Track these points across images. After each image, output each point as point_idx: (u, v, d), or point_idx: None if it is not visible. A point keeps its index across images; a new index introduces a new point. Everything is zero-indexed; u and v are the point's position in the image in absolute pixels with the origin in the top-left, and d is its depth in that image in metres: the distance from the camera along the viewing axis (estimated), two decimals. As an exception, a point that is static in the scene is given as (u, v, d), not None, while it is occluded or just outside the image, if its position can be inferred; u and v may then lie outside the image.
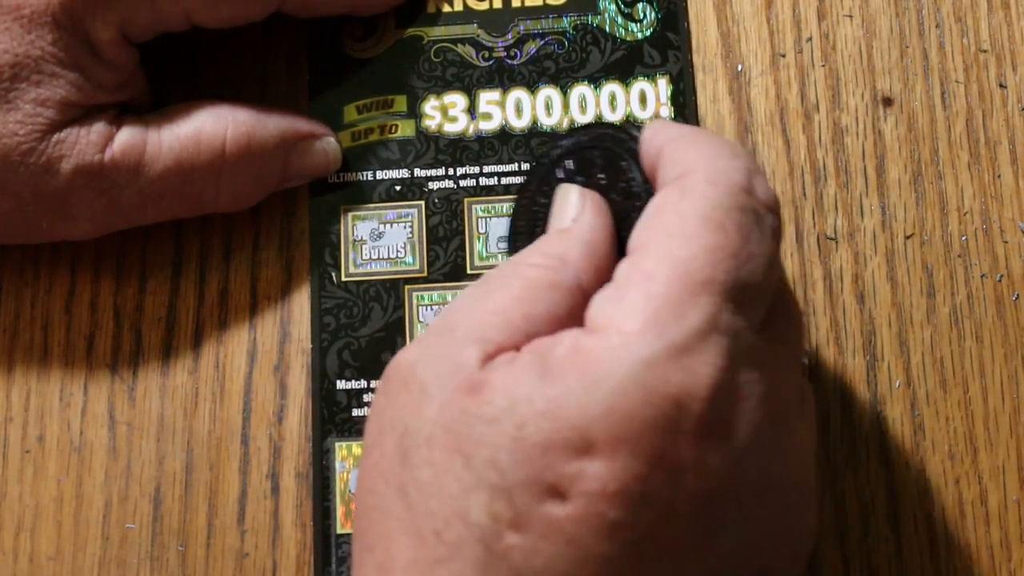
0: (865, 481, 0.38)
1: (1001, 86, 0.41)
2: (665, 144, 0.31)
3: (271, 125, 0.39)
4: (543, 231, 0.34)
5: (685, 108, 0.41)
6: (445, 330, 0.30)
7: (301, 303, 0.40)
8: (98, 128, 0.36)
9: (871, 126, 0.41)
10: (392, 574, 0.27)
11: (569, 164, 0.35)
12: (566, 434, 0.26)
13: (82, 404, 0.39)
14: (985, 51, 0.41)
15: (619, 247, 0.32)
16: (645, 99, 0.41)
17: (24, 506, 0.39)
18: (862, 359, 0.39)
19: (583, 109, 0.41)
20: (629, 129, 0.34)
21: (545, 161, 0.35)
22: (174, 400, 0.39)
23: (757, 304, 0.29)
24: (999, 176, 0.40)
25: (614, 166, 0.34)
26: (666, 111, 0.41)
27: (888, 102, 0.41)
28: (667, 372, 0.26)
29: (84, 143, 0.36)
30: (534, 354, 0.28)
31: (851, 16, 0.42)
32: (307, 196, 0.41)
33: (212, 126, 0.37)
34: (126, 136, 0.36)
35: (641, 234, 0.29)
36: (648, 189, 0.32)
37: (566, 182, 0.34)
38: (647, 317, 0.27)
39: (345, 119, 0.41)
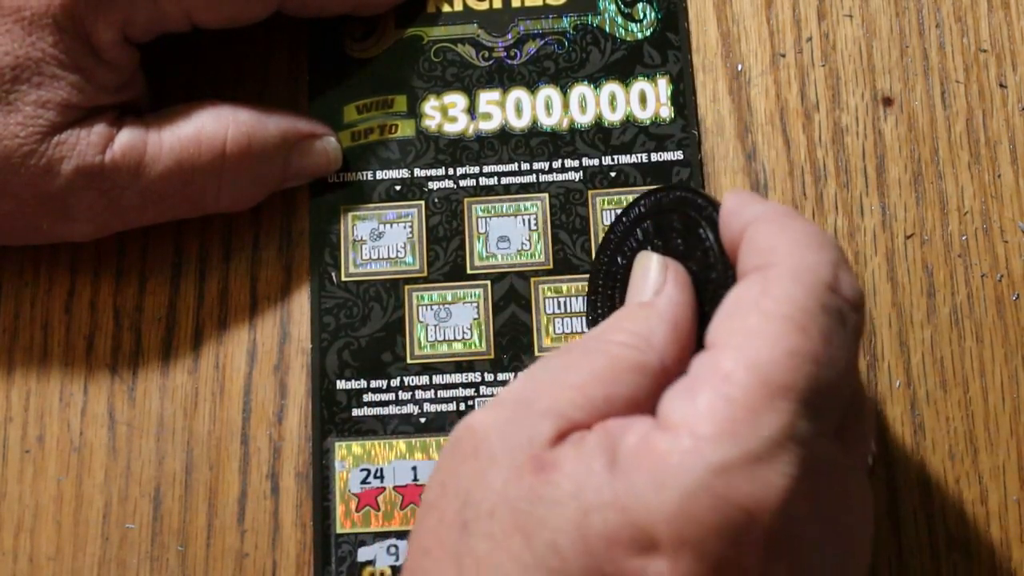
0: (865, 481, 0.38)
1: (1001, 86, 0.41)
2: (750, 223, 0.30)
3: (271, 125, 0.38)
4: (621, 295, 0.34)
5: (685, 108, 0.41)
6: (523, 400, 0.29)
7: (301, 303, 0.40)
8: (98, 129, 0.36)
9: (871, 126, 0.41)
10: None
11: (648, 226, 0.34)
12: (631, 530, 0.26)
13: (82, 404, 0.39)
14: (985, 51, 0.41)
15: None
16: (645, 99, 0.41)
17: (24, 506, 0.39)
18: (862, 359, 0.39)
19: (583, 109, 0.41)
20: (708, 196, 0.33)
21: (625, 220, 0.35)
22: (174, 400, 0.39)
23: (834, 410, 0.28)
24: (999, 176, 0.40)
25: (692, 234, 0.33)
26: (666, 111, 0.41)
27: (888, 102, 0.41)
28: (739, 480, 0.26)
29: (85, 144, 0.36)
30: (604, 438, 0.27)
31: (851, 16, 0.42)
32: (307, 196, 0.41)
33: (213, 126, 0.37)
34: (126, 137, 0.36)
35: (719, 328, 0.28)
36: (725, 262, 0.32)
37: (644, 246, 0.34)
38: (722, 422, 0.26)
39: (345, 119, 0.41)
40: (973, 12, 0.42)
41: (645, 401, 0.29)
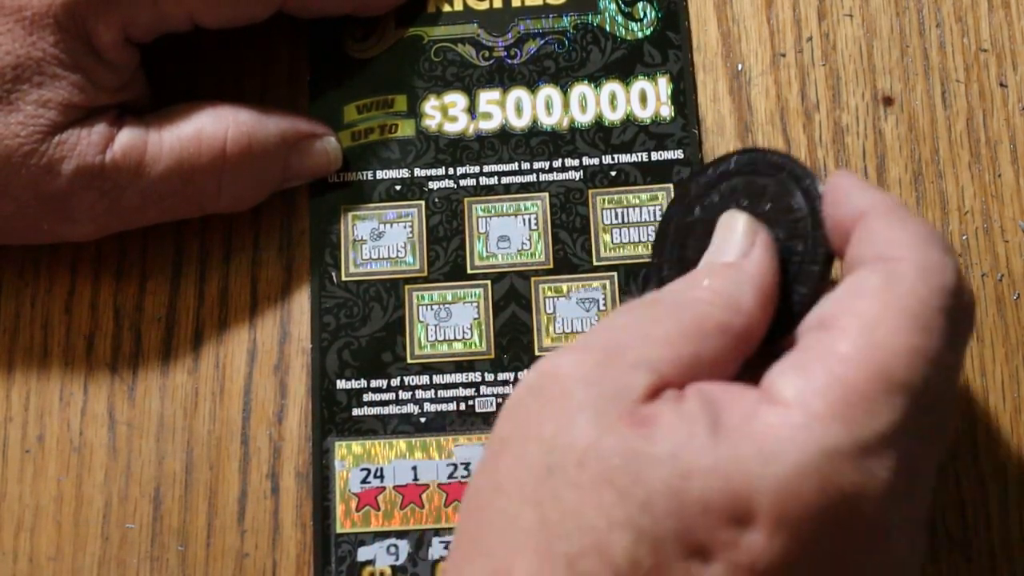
0: (866, 481, 0.38)
1: (1002, 85, 0.41)
2: (867, 212, 0.30)
3: (271, 125, 0.38)
4: (693, 248, 0.33)
5: (685, 108, 0.41)
6: (613, 349, 0.29)
7: (301, 303, 0.40)
8: (99, 129, 0.36)
9: (871, 126, 0.41)
10: None
11: (737, 184, 0.34)
12: (731, 498, 0.25)
13: (82, 404, 0.39)
14: (985, 50, 0.41)
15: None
16: (645, 98, 0.41)
17: (24, 506, 0.39)
18: (862, 359, 0.39)
19: (583, 108, 0.41)
20: (806, 167, 0.32)
21: (712, 172, 0.34)
22: (174, 400, 0.39)
23: (939, 413, 0.28)
24: (1000, 175, 0.40)
25: (783, 200, 0.32)
26: (666, 110, 0.41)
27: (888, 101, 0.41)
28: (848, 467, 0.25)
29: (85, 144, 0.36)
30: (705, 403, 0.27)
31: (851, 16, 0.42)
32: (307, 196, 0.41)
33: (213, 126, 0.37)
34: (127, 137, 0.36)
35: (836, 309, 0.28)
36: (816, 236, 0.31)
37: (728, 203, 0.33)
38: (837, 404, 0.26)
39: (345, 119, 0.41)
40: (973, 12, 0.42)
41: (729, 364, 0.29)
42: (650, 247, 0.39)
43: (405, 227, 0.40)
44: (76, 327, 0.40)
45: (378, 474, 0.38)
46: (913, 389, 0.26)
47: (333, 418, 0.39)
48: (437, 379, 0.39)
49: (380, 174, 0.41)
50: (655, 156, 0.40)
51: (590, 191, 0.40)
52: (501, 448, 0.29)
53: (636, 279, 0.38)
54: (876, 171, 0.40)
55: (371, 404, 0.39)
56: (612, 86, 0.41)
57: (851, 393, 0.26)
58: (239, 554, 0.38)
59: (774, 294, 0.31)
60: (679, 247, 0.34)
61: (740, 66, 0.41)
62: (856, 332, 0.27)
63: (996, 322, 0.39)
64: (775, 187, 0.32)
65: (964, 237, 0.39)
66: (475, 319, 0.39)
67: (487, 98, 0.41)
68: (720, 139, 0.41)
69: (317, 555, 0.38)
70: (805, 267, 0.31)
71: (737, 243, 0.31)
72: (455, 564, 0.29)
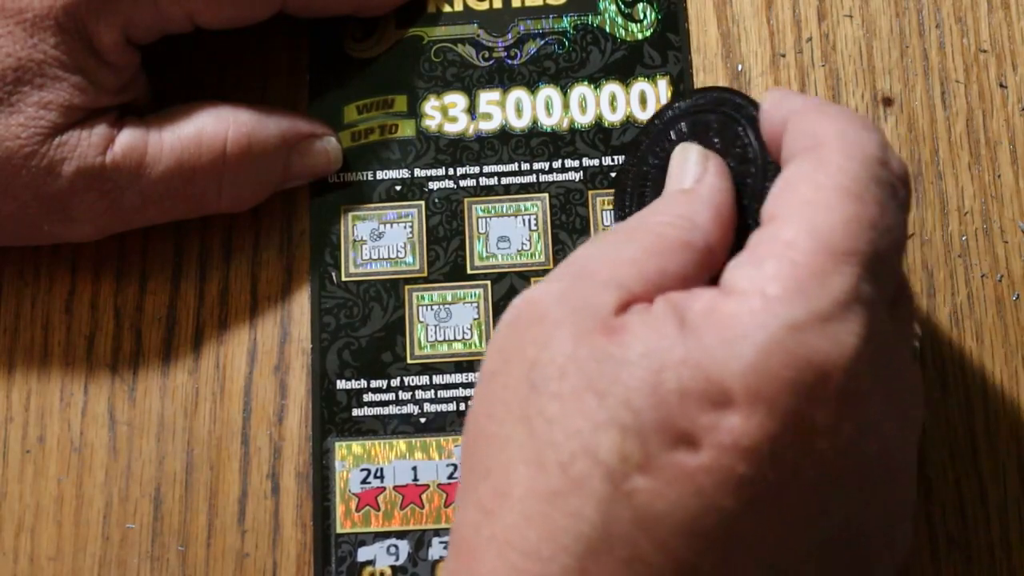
0: (865, 481, 0.38)
1: (1001, 86, 0.41)
2: (791, 114, 0.31)
3: (272, 125, 0.39)
4: (652, 193, 0.34)
5: None
6: (582, 273, 0.30)
7: (301, 303, 0.40)
8: (99, 130, 0.36)
9: (871, 126, 0.41)
10: (508, 500, 0.28)
11: (683, 127, 0.35)
12: (704, 384, 0.26)
13: (82, 404, 0.39)
14: (985, 51, 0.41)
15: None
16: (645, 100, 0.41)
17: (24, 506, 0.39)
18: (862, 359, 0.39)
19: (583, 109, 0.41)
20: (745, 95, 0.34)
21: (658, 122, 0.35)
22: (174, 400, 0.39)
23: (889, 278, 0.29)
24: (999, 176, 0.40)
25: (729, 131, 0.34)
26: None
27: (888, 102, 0.41)
28: (811, 338, 0.26)
29: (86, 145, 0.36)
30: (670, 306, 0.28)
31: (851, 16, 0.42)
32: (307, 196, 0.41)
33: (213, 127, 0.37)
34: (127, 138, 0.36)
35: (775, 203, 0.29)
36: (765, 157, 0.33)
37: (679, 143, 0.34)
38: (790, 283, 0.27)
39: (345, 119, 0.41)
40: (973, 12, 0.42)
41: (695, 279, 0.30)
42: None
43: (405, 227, 0.40)
44: (76, 327, 0.40)
45: (378, 474, 0.38)
46: (859, 254, 0.27)
47: (333, 418, 0.39)
48: (437, 379, 0.39)
49: (380, 174, 0.41)
50: None
51: (590, 192, 0.40)
52: (489, 379, 0.30)
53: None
54: (876, 171, 0.40)
55: (371, 404, 0.39)
56: (612, 87, 0.41)
57: (800, 270, 0.27)
58: (239, 554, 0.38)
59: (730, 212, 0.32)
60: (638, 196, 0.36)
61: (740, 66, 0.41)
62: (795, 217, 0.28)
63: (996, 322, 0.39)
64: (719, 121, 0.34)
65: (964, 238, 0.40)
66: (475, 319, 0.39)
67: (487, 99, 0.41)
68: (720, 139, 0.41)
69: (317, 555, 0.38)
70: (758, 186, 0.32)
71: (691, 171, 0.33)
72: (461, 497, 0.30)
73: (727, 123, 0.34)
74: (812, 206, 0.28)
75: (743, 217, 0.32)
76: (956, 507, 0.37)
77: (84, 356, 0.40)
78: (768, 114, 0.32)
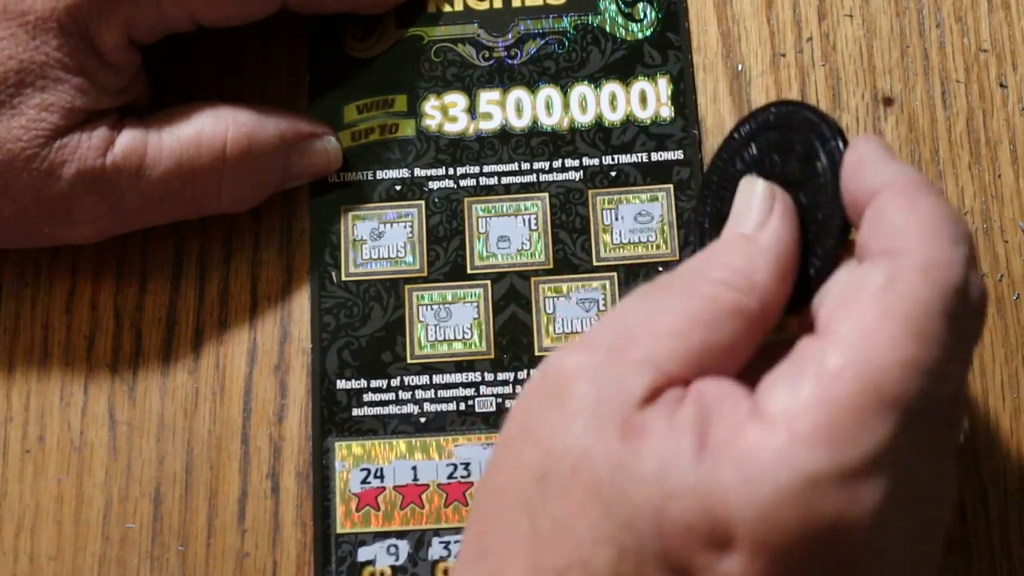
0: (865, 481, 0.38)
1: (1001, 86, 0.41)
2: (880, 189, 0.29)
3: (271, 125, 0.38)
4: (733, 200, 0.32)
5: (685, 108, 0.41)
6: (617, 345, 0.28)
7: (301, 303, 0.40)
8: (99, 132, 0.36)
9: (872, 126, 0.41)
10: None
11: (772, 136, 0.33)
12: (709, 521, 0.25)
13: (82, 404, 0.39)
14: (985, 51, 0.41)
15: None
16: (645, 99, 0.41)
17: (24, 506, 0.39)
18: (862, 359, 0.39)
19: (583, 109, 0.41)
20: (836, 125, 0.32)
21: (752, 124, 0.34)
22: (174, 400, 0.39)
23: (939, 421, 0.27)
24: (999, 176, 0.40)
25: (810, 163, 0.31)
26: (666, 111, 0.41)
27: (888, 102, 0.41)
28: (831, 494, 0.25)
29: (86, 147, 0.36)
30: (697, 412, 0.27)
31: (851, 16, 0.42)
32: (307, 196, 0.41)
33: (212, 127, 0.37)
34: (127, 139, 0.36)
35: (834, 312, 0.27)
36: (835, 207, 0.30)
37: (762, 159, 0.33)
38: (823, 424, 0.25)
39: (345, 119, 0.41)
40: (973, 12, 0.42)
41: (743, 346, 0.29)
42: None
43: (405, 227, 0.40)
44: (76, 327, 0.40)
45: (378, 474, 0.38)
46: (907, 404, 0.25)
47: (333, 418, 0.39)
48: (437, 379, 0.39)
49: (380, 174, 0.41)
50: (655, 156, 0.40)
51: (590, 191, 0.40)
52: (505, 449, 0.29)
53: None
54: (876, 171, 0.40)
55: (371, 404, 0.39)
56: (612, 87, 0.41)
57: (838, 412, 0.25)
58: (239, 554, 0.38)
59: (792, 267, 0.30)
60: (719, 200, 0.34)
61: (740, 66, 0.41)
62: (849, 343, 0.26)
63: (996, 322, 0.39)
64: (804, 146, 0.32)
65: (964, 237, 0.39)
66: (475, 319, 0.39)
67: (487, 98, 0.41)
68: (720, 140, 0.41)
69: (317, 555, 0.38)
70: (822, 236, 0.30)
71: (755, 213, 0.31)
72: (462, 562, 0.29)
73: (810, 150, 0.31)
74: (871, 336, 0.26)
75: (802, 262, 0.31)
76: (956, 507, 0.37)
77: (84, 356, 0.40)
78: (855, 170, 0.30)
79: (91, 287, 0.40)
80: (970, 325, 0.28)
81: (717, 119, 0.41)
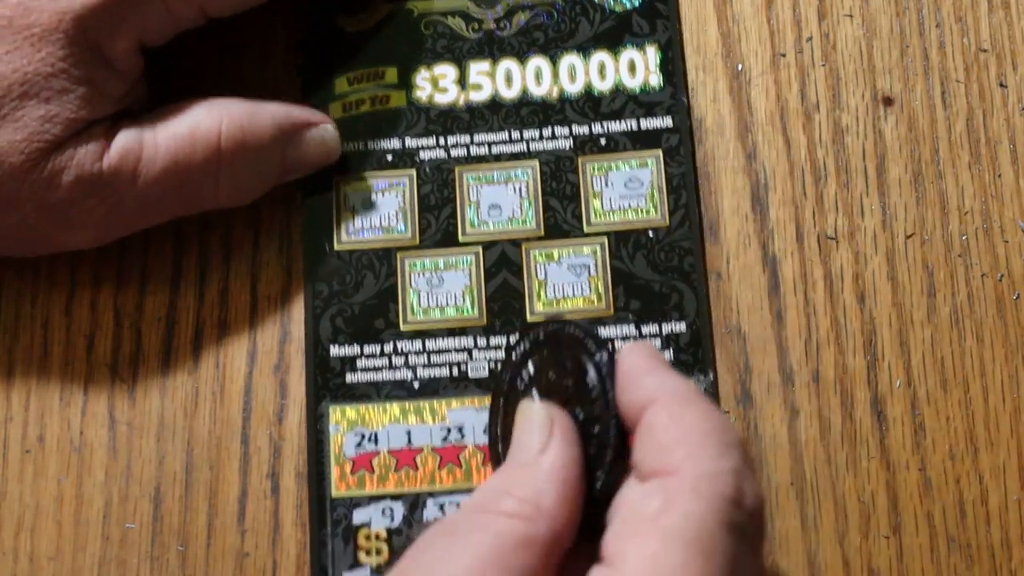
0: (865, 481, 0.38)
1: (1001, 86, 0.41)
2: (649, 404, 0.29)
3: (266, 117, 0.38)
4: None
5: (674, 76, 0.41)
6: None
7: (301, 303, 0.40)
8: (96, 137, 0.36)
9: (871, 126, 0.41)
10: None
11: (545, 354, 0.33)
12: None
13: (82, 404, 0.39)
14: (985, 51, 0.41)
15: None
16: (634, 67, 0.41)
17: (24, 506, 0.39)
18: (862, 359, 0.39)
19: (572, 78, 0.41)
20: (598, 338, 0.32)
21: (525, 344, 0.34)
22: (174, 400, 0.39)
23: None
24: (999, 176, 0.40)
25: (581, 377, 0.32)
26: (655, 79, 0.41)
27: (888, 102, 0.41)
28: None
29: (83, 154, 0.36)
30: None
31: (851, 16, 0.42)
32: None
33: (207, 122, 0.37)
34: (122, 141, 0.36)
35: (617, 542, 0.28)
36: (609, 418, 0.31)
37: (538, 378, 0.33)
38: None
39: (337, 90, 0.42)
40: (973, 12, 0.42)
41: (542, 572, 0.28)
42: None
43: (397, 196, 0.41)
44: (76, 327, 0.40)
45: (372, 438, 0.38)
46: None
47: (327, 384, 0.39)
48: (430, 345, 0.39)
49: (372, 144, 0.41)
50: (644, 124, 0.41)
51: (580, 159, 0.41)
52: None
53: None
54: (876, 171, 0.40)
55: (364, 370, 0.39)
56: (601, 56, 0.41)
57: None
58: (239, 554, 0.38)
59: (578, 487, 0.30)
60: (508, 420, 0.34)
61: (740, 66, 0.41)
62: (637, 572, 0.26)
63: (996, 322, 0.39)
64: (573, 362, 0.32)
65: (964, 237, 0.40)
66: (467, 286, 0.40)
67: (477, 69, 0.42)
68: (720, 140, 0.41)
69: (313, 518, 0.38)
70: (603, 450, 0.31)
71: (534, 438, 0.31)
72: None
73: (580, 367, 0.32)
74: (657, 563, 0.26)
75: (590, 471, 0.31)
76: (956, 507, 0.37)
77: (84, 356, 0.40)
78: (627, 383, 0.30)
79: (91, 287, 0.40)
80: (752, 528, 0.28)
81: (717, 119, 0.41)
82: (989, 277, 0.39)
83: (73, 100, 0.35)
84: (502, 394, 0.34)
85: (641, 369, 0.30)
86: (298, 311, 0.40)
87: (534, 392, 0.33)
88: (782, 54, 0.42)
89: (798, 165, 0.40)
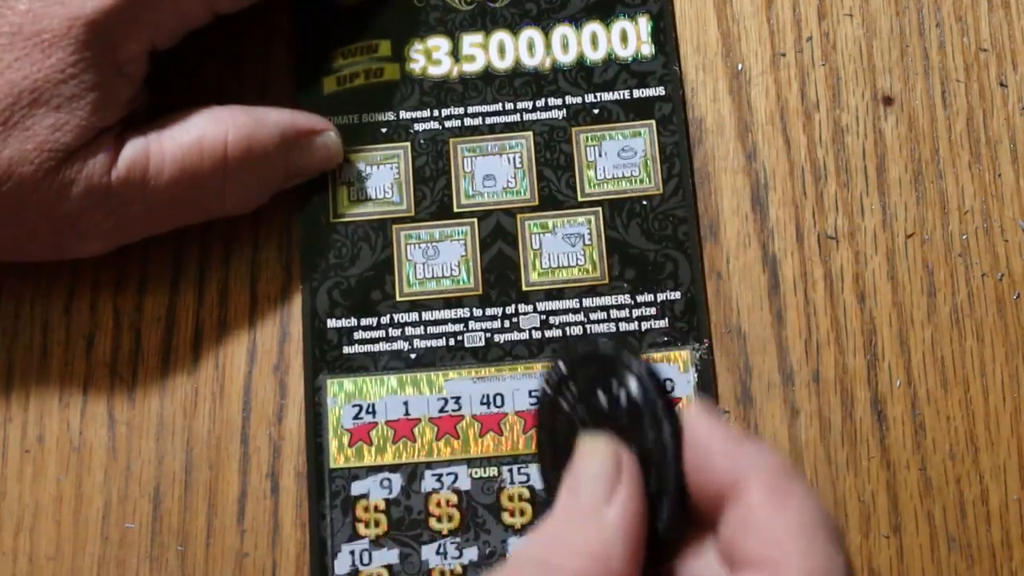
0: (865, 481, 0.38)
1: (1001, 85, 0.41)
2: (747, 483, 0.27)
3: (270, 124, 0.38)
4: (567, 456, 0.30)
5: (666, 46, 0.41)
6: None
7: (300, 302, 0.40)
8: (104, 148, 0.36)
9: (871, 125, 0.41)
10: None
11: (574, 389, 0.30)
12: None
13: (82, 404, 0.39)
14: (985, 50, 0.41)
15: None
16: (626, 37, 0.42)
17: (24, 506, 0.39)
18: (863, 359, 0.39)
19: (565, 49, 0.42)
20: (625, 350, 0.29)
21: (548, 388, 0.31)
22: (174, 400, 0.39)
23: None
24: (999, 175, 0.40)
25: (635, 414, 0.29)
26: (647, 49, 0.41)
27: (888, 101, 0.41)
28: None
29: (92, 165, 0.36)
30: None
31: (851, 15, 0.42)
32: (303, 196, 0.41)
33: (213, 131, 0.37)
34: (130, 152, 0.36)
35: None
36: (672, 471, 0.28)
37: (590, 398, 0.30)
38: None
39: (331, 64, 0.42)
40: (973, 11, 0.42)
41: None
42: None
43: (392, 168, 0.41)
44: (76, 327, 0.40)
45: (370, 410, 0.39)
46: None
47: (324, 356, 0.39)
48: (426, 316, 0.39)
49: (366, 117, 0.41)
50: (637, 93, 0.41)
51: (573, 129, 0.41)
52: None
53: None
54: (876, 171, 0.40)
55: (361, 342, 0.39)
56: (593, 26, 0.42)
57: None
58: (239, 554, 0.38)
59: (643, 539, 0.28)
60: (564, 449, 0.30)
61: (740, 66, 0.41)
62: None
63: (996, 322, 0.39)
64: (616, 381, 0.29)
65: (964, 237, 0.39)
66: (462, 256, 0.40)
67: (470, 41, 0.42)
68: (720, 140, 0.41)
69: (312, 490, 0.38)
70: (660, 492, 0.28)
71: (600, 484, 0.28)
72: None
73: (615, 380, 0.29)
74: None
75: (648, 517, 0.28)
76: (956, 507, 0.37)
77: (84, 356, 0.40)
78: (703, 450, 0.28)
79: (90, 287, 0.40)
80: None
81: (717, 119, 0.41)
82: (989, 277, 0.39)
83: (83, 107, 0.35)
84: (548, 418, 0.31)
85: (720, 437, 0.28)
86: (298, 311, 0.40)
87: (587, 420, 0.30)
88: (782, 54, 0.41)
89: (798, 165, 0.40)
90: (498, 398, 0.39)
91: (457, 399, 0.39)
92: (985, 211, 0.40)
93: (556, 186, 0.40)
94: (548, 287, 0.39)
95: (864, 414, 0.38)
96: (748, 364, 0.39)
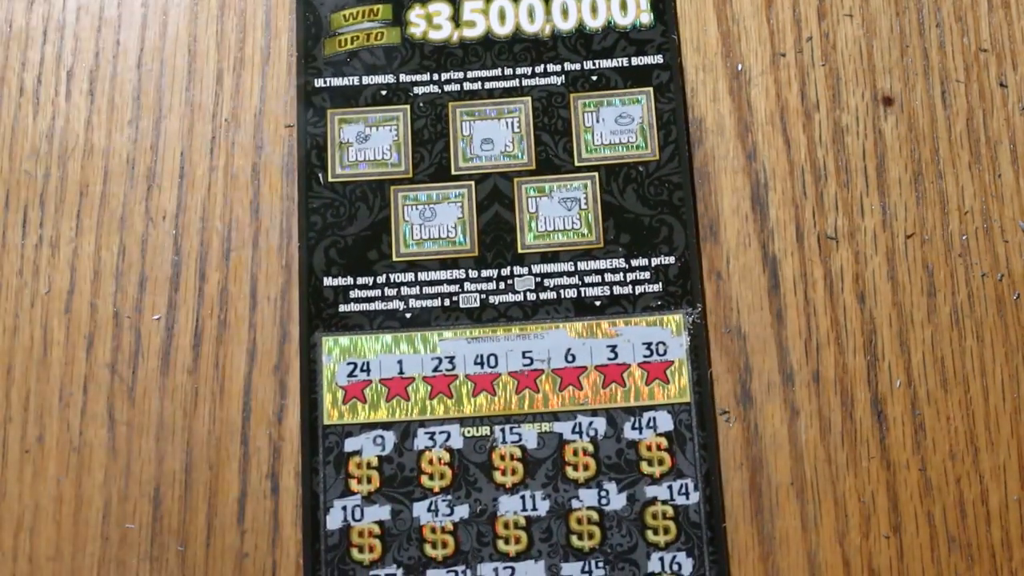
0: (865, 481, 0.38)
1: (1001, 85, 0.41)
2: None
3: None
4: None
5: (665, 14, 0.42)
6: None
7: (299, 302, 0.40)
8: None
9: (871, 125, 0.41)
10: None
11: None
12: None
13: (82, 404, 0.39)
14: (985, 50, 0.41)
15: None
16: (626, 6, 0.42)
17: (24, 506, 0.39)
18: (863, 359, 0.39)
19: (565, 16, 0.42)
20: None
21: None
22: (174, 400, 0.39)
23: None
24: (999, 175, 0.40)
25: None
26: (647, 17, 0.42)
27: (888, 101, 0.41)
28: None
29: None
30: None
31: (851, 16, 0.42)
32: (300, 182, 0.41)
33: None
34: None
35: None
36: None
37: None
38: None
39: (332, 26, 0.42)
40: (973, 12, 0.42)
41: None
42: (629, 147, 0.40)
43: (391, 130, 0.41)
44: (76, 327, 0.40)
45: (364, 367, 0.39)
46: None
47: (320, 314, 0.39)
48: (422, 276, 0.40)
49: (366, 79, 0.42)
50: (635, 61, 0.41)
51: (572, 95, 0.41)
52: None
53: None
54: (876, 171, 0.40)
55: (357, 300, 0.40)
56: None
57: None
58: (239, 554, 0.38)
59: None
60: None
61: (740, 66, 0.41)
62: None
63: (996, 322, 0.39)
64: None
65: (964, 237, 0.39)
66: (459, 218, 0.40)
67: (471, 7, 0.42)
68: (720, 140, 0.41)
69: (305, 447, 0.38)
70: None
71: None
72: None
73: None
74: None
75: None
76: (956, 507, 0.37)
77: (83, 356, 0.40)
78: None
79: (91, 287, 0.40)
80: None
81: (717, 119, 0.41)
82: (989, 277, 0.39)
83: None
84: None
85: None
86: (297, 311, 0.40)
87: None
88: (782, 54, 0.42)
89: (798, 165, 0.40)
90: (492, 358, 0.39)
91: (451, 359, 0.39)
92: (985, 211, 0.40)
93: (553, 151, 0.41)
94: (544, 250, 0.40)
95: (864, 414, 0.38)
96: (748, 364, 0.39)
